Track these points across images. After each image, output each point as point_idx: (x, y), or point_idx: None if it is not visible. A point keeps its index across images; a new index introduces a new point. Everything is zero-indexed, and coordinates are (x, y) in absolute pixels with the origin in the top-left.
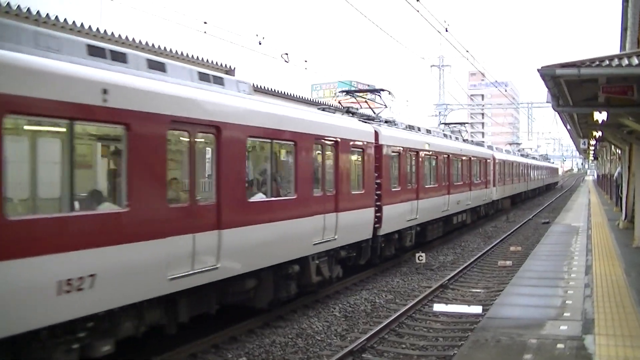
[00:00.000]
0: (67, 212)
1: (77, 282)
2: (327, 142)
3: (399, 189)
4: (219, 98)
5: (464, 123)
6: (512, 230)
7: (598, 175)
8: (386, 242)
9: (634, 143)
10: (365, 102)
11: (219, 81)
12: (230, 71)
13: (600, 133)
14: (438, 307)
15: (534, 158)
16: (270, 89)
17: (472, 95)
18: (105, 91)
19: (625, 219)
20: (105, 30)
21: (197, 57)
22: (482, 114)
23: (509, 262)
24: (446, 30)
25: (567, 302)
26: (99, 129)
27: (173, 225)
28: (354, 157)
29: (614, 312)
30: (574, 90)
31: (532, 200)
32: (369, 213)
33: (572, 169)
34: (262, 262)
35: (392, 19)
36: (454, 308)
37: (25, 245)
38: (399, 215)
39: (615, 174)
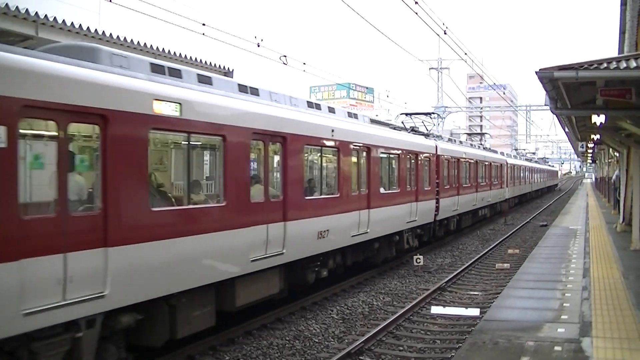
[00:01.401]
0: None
1: (195, 259)
2: (410, 154)
3: (448, 187)
4: (286, 113)
5: (484, 133)
6: (510, 233)
7: (596, 178)
8: (440, 225)
9: (632, 146)
10: (422, 122)
11: (255, 92)
12: (228, 73)
13: (598, 136)
14: (436, 310)
15: (536, 162)
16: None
17: (470, 97)
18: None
19: (623, 222)
20: (103, 32)
21: (196, 58)
22: (481, 117)
23: (506, 265)
24: (445, 33)
25: (564, 304)
26: (208, 140)
27: (253, 218)
28: (425, 164)
29: (612, 315)
30: (572, 93)
31: (530, 203)
32: (432, 204)
33: (570, 172)
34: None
35: (390, 21)
36: (452, 310)
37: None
38: (448, 206)
39: (613, 177)
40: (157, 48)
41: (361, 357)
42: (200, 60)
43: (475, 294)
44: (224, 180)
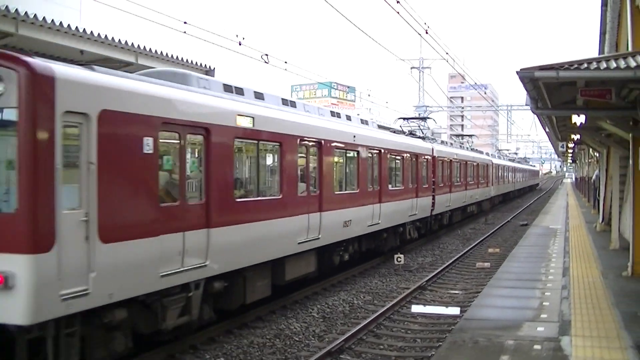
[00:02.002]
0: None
1: (262, 241)
2: (412, 155)
3: (442, 185)
4: (320, 123)
5: (471, 135)
6: (490, 232)
7: (576, 178)
8: (435, 220)
9: (611, 146)
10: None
11: (293, 104)
12: (209, 71)
13: (578, 136)
14: (416, 309)
15: (518, 162)
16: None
17: (451, 97)
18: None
19: (602, 222)
20: (84, 29)
21: (177, 56)
22: (462, 117)
23: (487, 264)
24: (426, 32)
25: (544, 303)
26: (270, 146)
27: (300, 208)
28: (423, 164)
29: (591, 314)
30: (553, 93)
31: (511, 202)
32: (429, 200)
33: (550, 172)
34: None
35: (372, 20)
36: (432, 309)
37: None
38: (442, 202)
39: (593, 177)
40: (139, 46)
41: (341, 356)
42: (182, 58)
43: (456, 293)
44: (280, 178)
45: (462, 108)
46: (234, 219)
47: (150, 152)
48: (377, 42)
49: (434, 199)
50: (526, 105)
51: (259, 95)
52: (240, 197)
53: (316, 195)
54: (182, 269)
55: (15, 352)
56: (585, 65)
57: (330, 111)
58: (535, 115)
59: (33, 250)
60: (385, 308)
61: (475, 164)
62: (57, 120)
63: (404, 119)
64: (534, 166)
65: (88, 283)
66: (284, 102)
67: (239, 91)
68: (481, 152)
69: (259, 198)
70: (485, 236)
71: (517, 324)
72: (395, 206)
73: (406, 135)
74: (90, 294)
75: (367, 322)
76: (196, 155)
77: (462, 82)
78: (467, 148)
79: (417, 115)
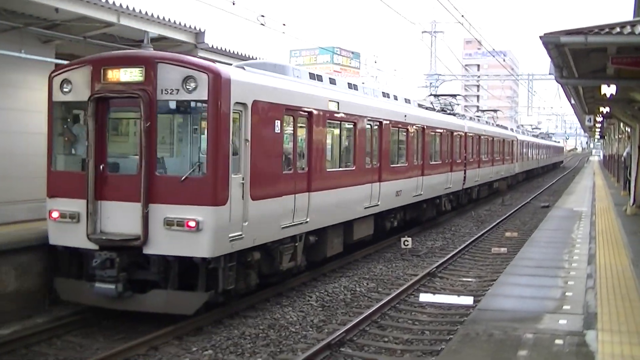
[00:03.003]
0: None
1: (341, 204)
2: (447, 132)
3: (472, 160)
4: (381, 104)
5: (496, 110)
6: (507, 215)
7: (604, 156)
8: (465, 194)
9: None
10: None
11: (355, 87)
12: (199, 33)
13: (607, 109)
14: (425, 297)
15: (541, 138)
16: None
17: (466, 65)
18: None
19: (633, 204)
20: None
21: (164, 17)
22: (478, 86)
23: (503, 249)
24: None
25: (567, 294)
26: (350, 126)
27: (366, 178)
28: (457, 140)
29: (619, 306)
30: (580, 60)
31: (531, 182)
32: (461, 174)
33: (575, 148)
34: (407, 201)
35: None
36: (443, 298)
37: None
38: (472, 177)
39: (624, 154)
40: (121, 5)
41: (342, 349)
42: (169, 19)
43: (469, 281)
44: (353, 152)
45: (478, 77)
46: (325, 185)
47: (278, 131)
48: (385, 3)
49: (465, 173)
50: (550, 74)
51: (332, 81)
52: (329, 168)
53: (377, 167)
54: (293, 223)
55: (198, 277)
56: (618, 29)
57: (382, 92)
58: (559, 86)
59: (216, 203)
60: (390, 297)
61: (501, 140)
62: (231, 108)
63: (435, 95)
64: (558, 142)
65: (242, 230)
66: (350, 86)
67: (319, 78)
68: (505, 128)
69: (341, 169)
70: (501, 218)
71: (537, 315)
72: (434, 179)
73: (439, 112)
74: (244, 238)
75: (370, 311)
76: (302, 133)
77: (479, 49)
78: (493, 124)
79: (430, 85)
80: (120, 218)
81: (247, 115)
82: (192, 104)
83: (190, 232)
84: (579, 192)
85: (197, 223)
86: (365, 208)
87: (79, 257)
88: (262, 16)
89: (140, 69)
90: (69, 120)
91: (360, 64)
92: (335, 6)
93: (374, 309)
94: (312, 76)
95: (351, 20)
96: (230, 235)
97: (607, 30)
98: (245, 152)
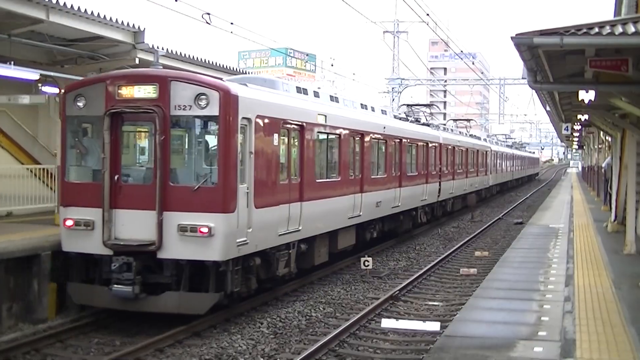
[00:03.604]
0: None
1: (327, 214)
2: (424, 143)
3: (447, 172)
4: (363, 117)
5: (469, 120)
6: (477, 232)
7: (583, 167)
8: (439, 206)
9: (627, 129)
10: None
11: (336, 100)
12: (139, 32)
13: (586, 116)
14: (387, 323)
15: (516, 148)
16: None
17: (432, 68)
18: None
19: (614, 220)
20: None
21: (99, 14)
22: (445, 92)
23: (473, 270)
24: None
25: (542, 318)
26: (335, 137)
27: (349, 189)
28: (432, 151)
29: (600, 332)
30: (556, 64)
31: (503, 195)
32: (437, 186)
33: (552, 159)
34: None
35: None
36: (407, 324)
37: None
38: (447, 189)
39: (604, 166)
40: (50, 0)
41: None
42: (104, 16)
43: (435, 305)
44: (338, 163)
45: (445, 81)
46: (315, 195)
47: (276, 144)
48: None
49: (440, 185)
50: (523, 78)
51: (316, 94)
52: (318, 179)
53: (359, 178)
54: (288, 231)
55: (205, 280)
56: (596, 29)
57: (360, 103)
58: (533, 91)
59: (227, 211)
60: (349, 322)
61: (475, 150)
62: (238, 123)
63: (409, 105)
64: (533, 153)
65: (247, 236)
66: (331, 98)
67: (305, 91)
68: (479, 138)
69: (328, 180)
70: (471, 236)
71: (510, 342)
72: (411, 191)
73: (414, 122)
74: (248, 244)
75: (327, 339)
76: (295, 145)
77: (446, 50)
78: (466, 134)
79: (392, 90)
80: (135, 225)
81: (251, 129)
82: (204, 119)
83: (203, 237)
84: (555, 207)
85: (210, 229)
86: (349, 218)
87: (87, 263)
88: (208, 14)
89: (154, 86)
90: (80, 133)
91: (316, 67)
92: (288, 4)
93: (331, 336)
94: (298, 90)
95: (305, 20)
96: (237, 240)
97: (584, 30)
98: (249, 163)
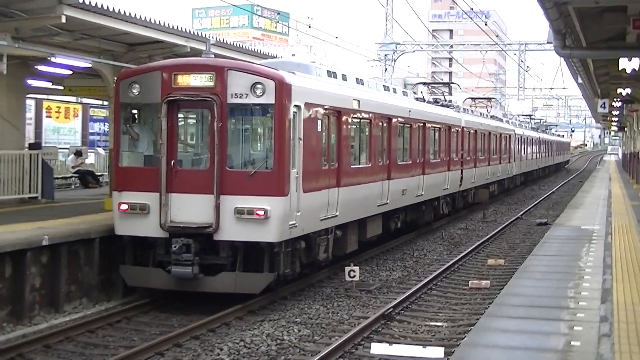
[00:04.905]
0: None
1: (358, 201)
2: (445, 127)
3: (469, 159)
4: (390, 100)
5: (490, 98)
6: (490, 235)
7: (624, 154)
8: (461, 197)
9: None
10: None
11: (361, 82)
12: None
13: (628, 90)
14: (378, 349)
15: (542, 131)
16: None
17: (435, 30)
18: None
19: None
20: None
21: None
22: (450, 60)
23: (485, 282)
24: None
25: (573, 343)
26: (367, 123)
27: (379, 176)
28: (454, 136)
29: None
30: (590, 24)
31: (522, 189)
32: (458, 174)
33: (584, 144)
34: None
35: None
36: (402, 350)
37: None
38: (469, 178)
39: None
40: None
41: None
42: None
43: (438, 326)
44: (369, 149)
45: (451, 47)
46: (350, 181)
47: (320, 130)
48: None
49: (462, 173)
50: (548, 43)
51: (344, 77)
52: (352, 165)
53: (386, 165)
54: (328, 216)
55: (262, 261)
56: None
57: (384, 85)
58: (562, 59)
59: (281, 194)
60: (330, 348)
61: (497, 134)
62: (291, 110)
63: (425, 84)
64: (562, 136)
65: (296, 219)
66: (357, 80)
67: (334, 75)
68: (501, 120)
69: (361, 166)
70: (482, 240)
71: None
72: (434, 179)
73: (433, 103)
74: (297, 227)
75: None
76: (334, 131)
77: (452, 8)
78: (487, 115)
79: (384, 58)
80: (192, 208)
81: (301, 116)
82: (260, 107)
83: (259, 219)
84: (588, 204)
85: (265, 211)
86: (377, 206)
87: (137, 247)
88: None
89: (211, 75)
90: (134, 120)
91: (289, 28)
92: None
93: None
94: (329, 73)
95: None
96: (289, 223)
97: None
98: (298, 149)
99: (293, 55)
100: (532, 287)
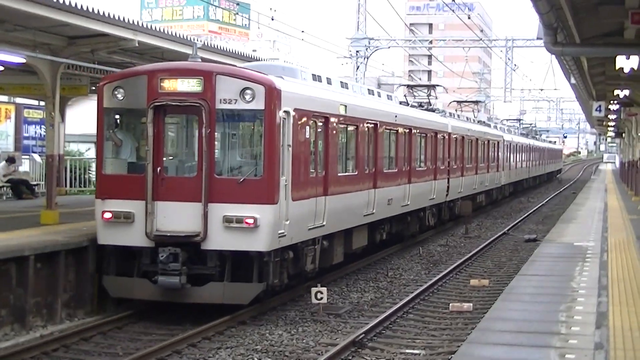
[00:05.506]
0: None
1: (343, 211)
2: (432, 133)
3: (455, 167)
4: (377, 105)
5: (478, 102)
6: (473, 252)
7: (622, 163)
8: (447, 208)
9: None
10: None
11: (346, 86)
12: None
13: (626, 92)
14: None
15: (532, 137)
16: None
17: (413, 24)
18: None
19: None
20: None
21: None
22: (429, 57)
23: (467, 305)
24: None
25: None
26: (353, 129)
27: (365, 184)
28: (440, 142)
29: None
30: (585, 18)
31: (509, 201)
32: (445, 184)
33: (578, 152)
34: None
35: None
36: None
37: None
38: (455, 187)
39: None
40: None
41: None
42: None
43: (415, 354)
44: (356, 157)
45: (430, 42)
46: (337, 190)
47: (307, 137)
48: None
49: (448, 182)
50: (538, 39)
51: (329, 81)
52: (339, 173)
53: (372, 173)
54: (315, 226)
55: (250, 271)
56: None
57: (367, 89)
58: (553, 57)
59: (271, 202)
60: None
61: (485, 141)
62: (281, 117)
63: (408, 86)
64: (554, 143)
65: (285, 228)
66: (342, 84)
67: (319, 78)
68: (488, 125)
69: (347, 174)
70: (464, 258)
71: None
72: (419, 188)
73: (417, 107)
74: (286, 236)
75: None
76: (321, 138)
77: (432, 0)
78: (474, 120)
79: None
80: (179, 217)
81: (289, 122)
82: (249, 113)
83: (248, 228)
84: (582, 218)
85: (255, 220)
86: (364, 216)
87: (120, 257)
88: None
89: (199, 80)
90: (118, 125)
91: (250, 21)
92: None
93: None
94: (314, 77)
95: None
96: (278, 232)
97: None
98: (287, 156)
99: (254, 51)
100: (520, 310)
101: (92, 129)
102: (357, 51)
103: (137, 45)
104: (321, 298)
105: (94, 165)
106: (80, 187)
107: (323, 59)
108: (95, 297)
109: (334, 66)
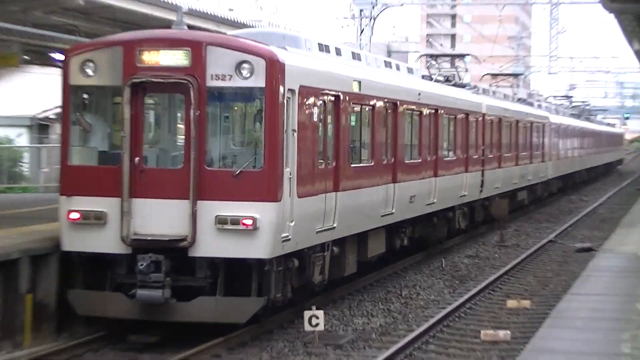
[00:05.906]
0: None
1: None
2: (464, 114)
3: (491, 156)
4: (397, 80)
5: (518, 74)
6: (510, 266)
7: None
8: (482, 207)
9: None
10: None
11: (359, 57)
12: None
13: None
14: None
15: (586, 118)
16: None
17: None
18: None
19: None
20: None
21: None
22: (453, 17)
23: (503, 333)
24: None
25: None
26: (369, 109)
27: (383, 177)
28: (473, 126)
29: None
30: None
31: (559, 199)
32: (479, 177)
33: None
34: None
35: None
36: None
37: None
38: (491, 182)
39: None
40: None
41: None
42: None
43: None
44: (371, 144)
45: None
46: (350, 184)
47: (316, 120)
48: None
49: (482, 175)
50: None
51: (338, 51)
52: (353, 164)
53: (391, 164)
54: (324, 228)
55: (248, 283)
56: None
57: (384, 61)
58: (611, 15)
59: (274, 199)
60: None
61: (527, 124)
62: (285, 96)
63: (431, 56)
64: (612, 125)
65: (289, 230)
66: (354, 55)
67: (327, 49)
68: (531, 104)
69: (362, 165)
70: (499, 273)
71: None
72: (448, 182)
73: (444, 83)
74: (290, 240)
75: None
76: (331, 121)
77: None
78: (512, 97)
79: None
80: (162, 217)
81: (295, 103)
82: (247, 92)
83: (246, 230)
84: None
85: (254, 221)
86: (381, 216)
87: (88, 267)
88: None
89: (186, 51)
90: (88, 107)
91: None
92: None
93: None
94: (320, 47)
95: None
96: (282, 235)
97: None
98: (292, 143)
99: (231, 10)
100: (571, 340)
101: (24, 109)
102: (361, 10)
103: (81, 3)
104: (317, 324)
105: (26, 155)
106: (8, 183)
107: (318, 21)
108: (28, 323)
109: (331, 29)
